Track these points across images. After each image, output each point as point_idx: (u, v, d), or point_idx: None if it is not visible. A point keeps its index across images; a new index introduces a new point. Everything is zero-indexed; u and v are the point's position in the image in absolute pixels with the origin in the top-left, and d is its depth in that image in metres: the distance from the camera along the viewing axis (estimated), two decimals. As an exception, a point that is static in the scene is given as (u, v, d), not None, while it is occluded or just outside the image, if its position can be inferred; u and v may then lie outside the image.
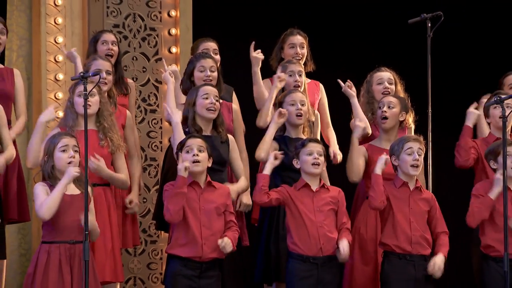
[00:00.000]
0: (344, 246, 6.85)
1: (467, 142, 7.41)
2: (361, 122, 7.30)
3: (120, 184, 7.04)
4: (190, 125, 7.08)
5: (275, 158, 6.94)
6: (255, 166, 7.44)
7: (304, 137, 7.21)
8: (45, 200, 6.49)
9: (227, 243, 6.73)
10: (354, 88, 7.52)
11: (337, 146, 7.73)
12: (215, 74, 7.42)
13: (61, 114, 7.53)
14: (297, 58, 7.80)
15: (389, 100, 7.39)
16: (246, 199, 7.15)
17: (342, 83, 7.47)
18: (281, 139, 7.26)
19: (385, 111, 7.33)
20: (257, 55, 7.57)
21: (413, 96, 7.70)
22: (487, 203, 7.07)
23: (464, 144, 7.41)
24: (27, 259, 7.93)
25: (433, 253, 7.00)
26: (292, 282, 6.91)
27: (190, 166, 6.72)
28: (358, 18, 9.49)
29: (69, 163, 6.56)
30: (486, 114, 7.56)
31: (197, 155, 6.78)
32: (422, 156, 7.08)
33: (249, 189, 7.29)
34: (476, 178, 7.49)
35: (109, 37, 7.69)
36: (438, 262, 6.96)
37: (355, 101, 7.46)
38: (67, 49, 8.25)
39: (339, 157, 7.66)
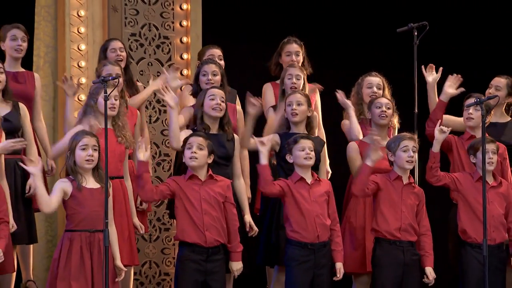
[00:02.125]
0: (339, 268, 6.97)
1: (436, 115, 7.40)
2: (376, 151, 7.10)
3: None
4: (198, 124, 7.10)
5: (262, 144, 6.89)
6: (256, 162, 7.43)
7: (307, 134, 7.19)
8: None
9: (238, 270, 6.86)
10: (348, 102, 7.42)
11: (328, 163, 7.71)
12: (218, 78, 7.41)
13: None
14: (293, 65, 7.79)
15: (386, 101, 7.36)
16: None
17: (339, 95, 7.39)
18: (285, 135, 7.21)
19: (385, 111, 7.30)
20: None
21: (401, 98, 7.67)
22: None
23: (433, 117, 7.42)
24: (53, 245, 7.95)
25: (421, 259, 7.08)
26: (291, 266, 6.92)
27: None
28: (351, 27, 9.47)
29: (87, 160, 6.55)
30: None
31: (195, 152, 6.77)
32: (416, 153, 7.10)
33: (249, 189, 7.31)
34: (451, 166, 7.52)
35: (117, 44, 7.67)
36: (431, 274, 7.06)
37: (352, 113, 7.40)
38: (90, 57, 8.26)
39: (329, 174, 7.69)
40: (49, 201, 6.47)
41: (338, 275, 6.92)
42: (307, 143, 6.93)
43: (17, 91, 7.34)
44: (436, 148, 7.10)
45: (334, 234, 6.96)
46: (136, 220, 7.08)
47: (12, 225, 6.75)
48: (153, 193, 6.78)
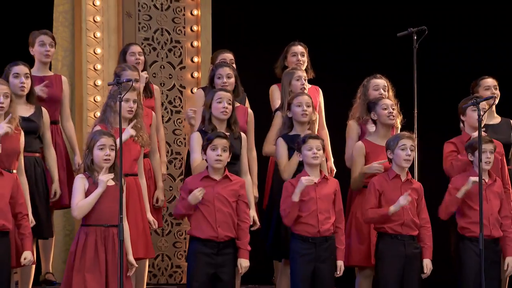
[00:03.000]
0: (340, 266, 6.96)
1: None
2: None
3: None
4: (206, 124, 7.08)
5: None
6: (264, 163, 7.39)
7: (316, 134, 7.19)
8: (80, 203, 6.51)
9: (245, 267, 6.82)
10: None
11: (332, 161, 7.71)
12: (232, 80, 7.40)
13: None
14: (299, 64, 7.78)
15: (391, 102, 7.33)
16: (244, 262, 6.92)
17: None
18: (289, 137, 7.19)
19: (392, 112, 7.27)
20: None
21: (401, 99, 7.66)
22: (455, 201, 7.13)
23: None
24: (70, 239, 7.98)
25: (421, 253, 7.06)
26: (294, 258, 6.93)
27: (199, 196, 6.71)
28: (354, 32, 9.46)
29: (105, 159, 6.56)
30: (462, 114, 7.48)
31: (221, 155, 6.77)
32: (414, 151, 7.09)
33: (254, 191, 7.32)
34: None
35: (136, 48, 7.69)
36: (428, 266, 7.05)
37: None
38: (105, 61, 8.26)
39: (334, 172, 7.69)
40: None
41: (338, 272, 6.93)
42: (315, 143, 6.91)
43: (46, 94, 7.42)
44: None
45: (339, 232, 6.97)
46: (149, 216, 7.09)
47: (31, 221, 6.77)
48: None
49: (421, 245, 7.06)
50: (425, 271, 7.03)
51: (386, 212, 6.96)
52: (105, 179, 6.50)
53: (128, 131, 6.86)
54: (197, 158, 6.96)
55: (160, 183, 7.43)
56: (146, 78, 7.57)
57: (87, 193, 6.54)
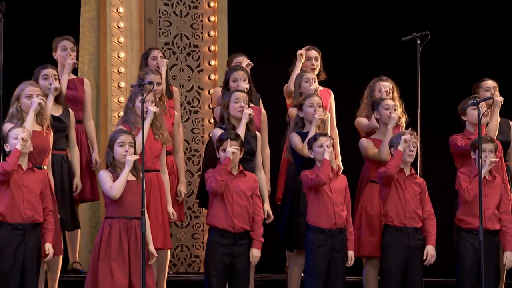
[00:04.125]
0: (351, 256, 6.98)
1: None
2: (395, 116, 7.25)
3: None
4: (226, 124, 7.11)
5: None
6: (276, 160, 7.45)
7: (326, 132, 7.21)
8: (114, 184, 6.52)
9: (256, 256, 6.81)
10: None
11: (340, 159, 7.76)
12: (246, 83, 7.42)
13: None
14: (313, 68, 7.82)
15: (393, 103, 7.33)
16: (256, 252, 6.94)
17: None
18: (301, 134, 7.22)
19: (395, 112, 7.30)
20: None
21: (406, 100, 7.69)
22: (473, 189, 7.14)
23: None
24: (96, 230, 7.96)
25: (424, 239, 7.06)
26: (310, 249, 6.96)
27: (236, 151, 6.74)
28: (362, 37, 9.48)
29: (124, 155, 6.58)
30: (463, 114, 7.49)
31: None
32: (416, 147, 7.11)
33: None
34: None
35: (157, 53, 7.70)
36: (430, 252, 7.05)
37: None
38: (128, 64, 8.29)
39: (341, 170, 7.70)
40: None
41: (349, 262, 6.97)
42: (325, 140, 6.94)
43: (69, 96, 7.43)
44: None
45: (348, 224, 7.01)
46: (170, 207, 7.12)
47: (77, 188, 6.82)
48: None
49: (425, 234, 7.08)
50: (427, 257, 7.02)
51: (397, 150, 6.92)
52: (132, 159, 6.53)
53: (151, 110, 6.81)
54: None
55: (182, 177, 7.48)
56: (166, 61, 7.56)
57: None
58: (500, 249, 7.35)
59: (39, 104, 6.76)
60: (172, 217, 7.13)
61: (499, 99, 7.61)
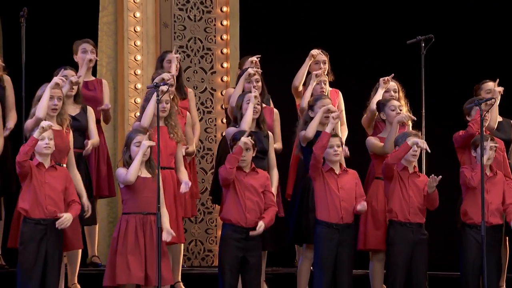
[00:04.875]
0: (364, 204, 6.95)
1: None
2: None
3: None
4: (238, 123, 7.14)
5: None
6: (286, 157, 7.49)
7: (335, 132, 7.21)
8: (129, 169, 6.55)
9: (260, 225, 6.79)
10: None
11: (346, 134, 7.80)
12: (260, 84, 7.46)
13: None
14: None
15: (399, 104, 7.35)
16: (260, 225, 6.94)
17: None
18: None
19: (398, 113, 7.28)
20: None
21: (411, 100, 7.64)
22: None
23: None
24: (114, 226, 7.95)
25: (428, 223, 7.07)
26: (319, 242, 6.99)
27: (248, 142, 6.74)
28: (368, 40, 9.47)
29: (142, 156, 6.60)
30: (468, 114, 7.49)
31: (245, 155, 6.82)
32: (420, 147, 7.07)
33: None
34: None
35: (172, 56, 7.67)
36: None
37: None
38: (144, 66, 8.32)
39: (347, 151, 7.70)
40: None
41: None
42: (335, 141, 6.97)
43: (88, 96, 7.48)
44: None
45: (358, 202, 6.99)
46: (186, 177, 7.00)
47: (87, 206, 6.76)
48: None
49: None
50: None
51: (405, 142, 6.91)
52: (147, 144, 6.54)
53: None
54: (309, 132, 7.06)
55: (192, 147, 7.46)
56: (177, 57, 7.57)
57: (126, 185, 6.55)
58: (503, 243, 7.37)
59: (56, 84, 6.75)
60: (185, 189, 6.93)
61: (498, 89, 7.60)
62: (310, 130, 7.12)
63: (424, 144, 6.97)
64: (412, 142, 6.97)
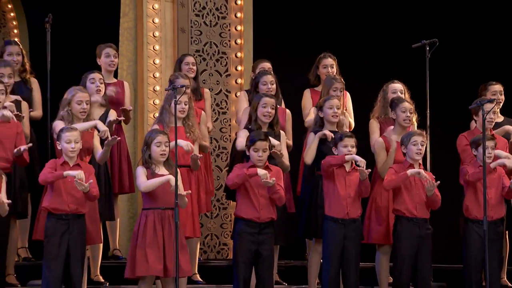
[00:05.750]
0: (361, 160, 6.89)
1: None
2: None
3: None
4: (253, 124, 7.20)
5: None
6: (297, 157, 7.54)
7: (337, 131, 7.21)
8: (145, 182, 6.59)
9: (264, 173, 6.72)
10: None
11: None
12: (274, 86, 7.52)
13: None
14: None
15: (410, 107, 7.31)
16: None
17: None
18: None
19: (409, 116, 7.28)
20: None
21: (416, 101, 7.61)
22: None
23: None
24: (134, 221, 8.00)
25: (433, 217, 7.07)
26: (326, 237, 7.02)
27: (265, 176, 6.74)
28: (375, 44, 9.45)
29: (161, 154, 6.66)
30: (475, 114, 7.45)
31: (261, 155, 6.84)
32: (424, 146, 7.13)
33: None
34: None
35: (190, 59, 7.78)
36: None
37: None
38: (163, 69, 8.36)
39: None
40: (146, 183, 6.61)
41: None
42: (350, 141, 6.98)
43: (111, 98, 7.52)
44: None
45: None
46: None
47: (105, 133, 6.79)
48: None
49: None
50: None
51: (405, 173, 6.92)
52: (172, 180, 6.49)
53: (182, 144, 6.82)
54: (242, 142, 7.06)
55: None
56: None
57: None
58: (504, 237, 7.39)
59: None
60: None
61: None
62: (308, 157, 7.15)
63: (423, 174, 6.94)
64: (411, 172, 6.94)
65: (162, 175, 6.64)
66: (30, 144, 6.92)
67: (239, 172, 6.82)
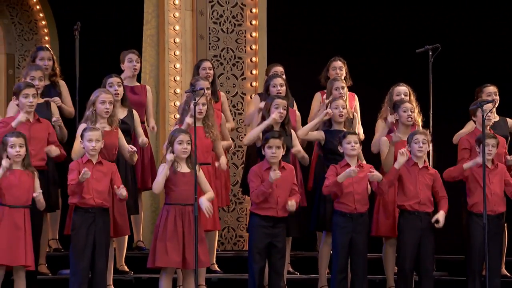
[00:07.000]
0: (293, 202, 6.90)
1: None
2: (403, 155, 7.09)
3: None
4: None
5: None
6: (308, 154, 7.49)
7: (345, 130, 7.26)
8: (153, 183, 6.68)
9: (292, 205, 6.87)
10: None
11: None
12: (284, 88, 7.52)
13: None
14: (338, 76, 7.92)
15: (411, 106, 7.32)
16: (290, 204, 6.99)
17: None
18: (328, 131, 7.33)
19: (410, 115, 7.28)
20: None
21: (420, 102, 7.61)
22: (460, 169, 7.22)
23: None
24: (156, 215, 7.99)
25: (437, 211, 7.06)
26: (335, 230, 7.06)
27: (275, 175, 6.75)
28: (382, 49, 9.48)
29: (183, 151, 6.68)
30: (474, 115, 7.49)
31: (275, 152, 6.87)
32: (427, 144, 7.12)
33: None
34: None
35: (207, 64, 7.80)
36: (440, 216, 7.03)
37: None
38: (183, 73, 8.40)
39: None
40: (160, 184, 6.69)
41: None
42: (353, 138, 7.01)
43: (134, 100, 7.57)
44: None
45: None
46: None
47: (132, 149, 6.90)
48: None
49: (439, 208, 7.05)
50: (434, 220, 6.94)
51: (392, 167, 6.92)
52: (169, 158, 6.57)
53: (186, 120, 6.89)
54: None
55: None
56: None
57: (168, 179, 6.64)
58: (505, 230, 7.40)
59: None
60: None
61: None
62: (302, 133, 7.19)
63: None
64: (398, 164, 6.96)
65: (185, 173, 6.65)
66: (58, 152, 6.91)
67: (258, 191, 6.81)
